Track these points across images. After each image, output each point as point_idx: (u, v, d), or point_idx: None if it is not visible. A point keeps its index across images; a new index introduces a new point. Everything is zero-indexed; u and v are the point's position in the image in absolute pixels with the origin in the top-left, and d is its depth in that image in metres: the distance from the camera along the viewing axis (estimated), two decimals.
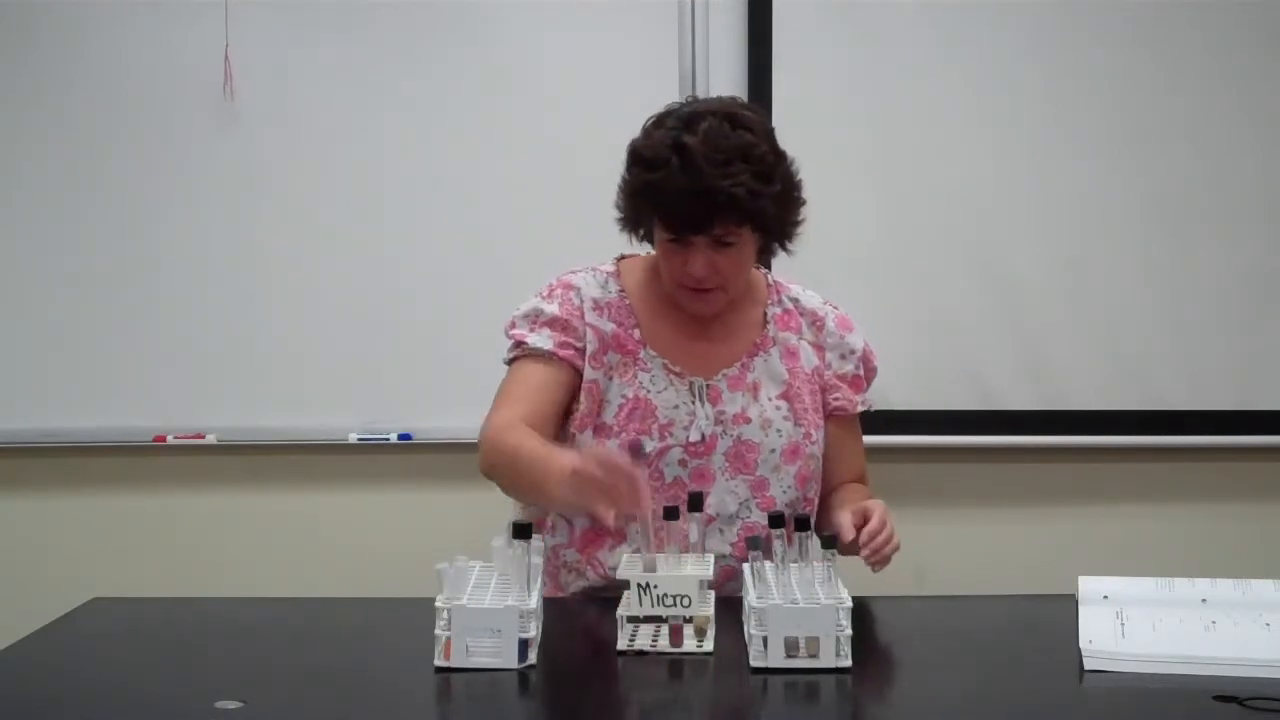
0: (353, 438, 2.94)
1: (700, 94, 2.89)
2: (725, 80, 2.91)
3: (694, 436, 1.85)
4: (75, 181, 2.90)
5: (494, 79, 2.85)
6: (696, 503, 1.68)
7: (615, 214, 1.92)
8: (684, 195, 1.76)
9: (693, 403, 1.87)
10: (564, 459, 1.66)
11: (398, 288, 2.89)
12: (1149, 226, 2.97)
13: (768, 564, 1.54)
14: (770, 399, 1.91)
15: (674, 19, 2.91)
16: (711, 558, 1.63)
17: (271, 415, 2.93)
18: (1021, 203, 2.96)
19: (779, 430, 1.89)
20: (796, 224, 1.90)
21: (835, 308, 2.03)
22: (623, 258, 2.00)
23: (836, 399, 1.98)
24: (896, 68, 2.93)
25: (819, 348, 1.98)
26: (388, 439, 2.93)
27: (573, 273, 1.96)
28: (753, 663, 1.47)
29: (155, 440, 2.93)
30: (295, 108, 2.91)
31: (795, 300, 2.00)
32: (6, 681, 1.48)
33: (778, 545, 1.55)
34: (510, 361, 1.92)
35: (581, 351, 1.89)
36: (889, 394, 2.95)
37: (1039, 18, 2.93)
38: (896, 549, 1.77)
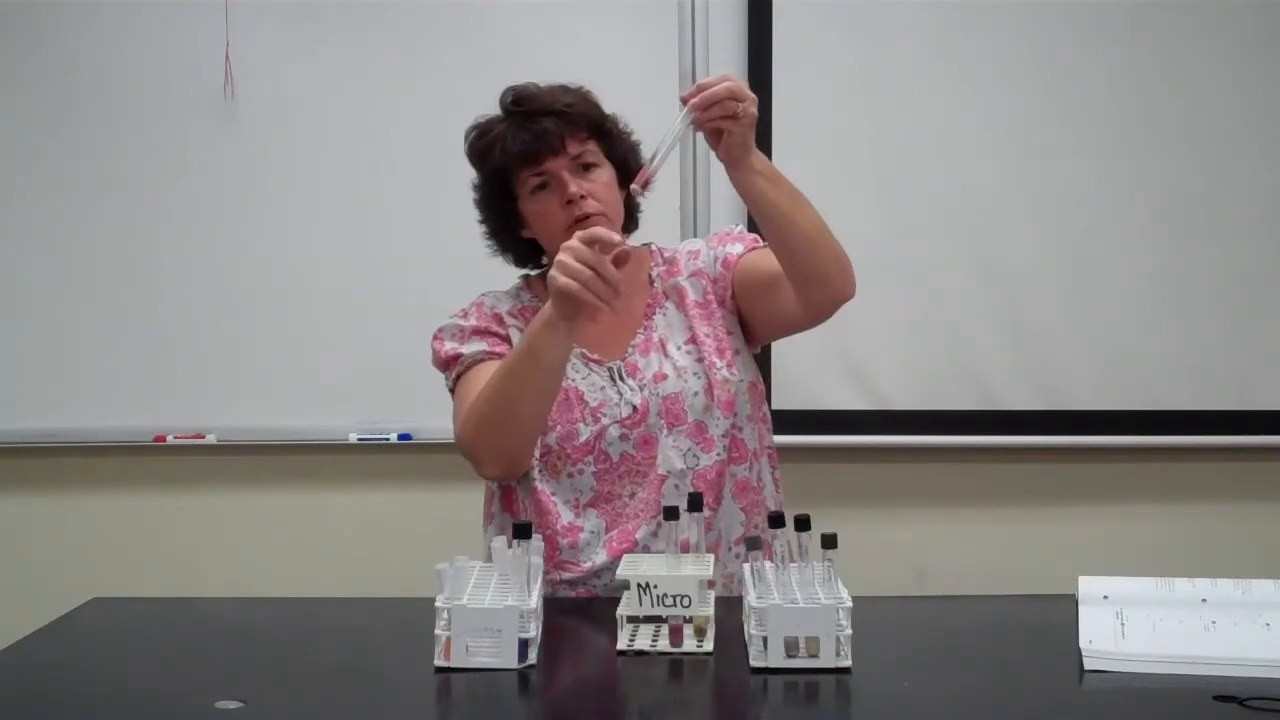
0: (353, 438, 2.94)
1: None
2: None
3: (624, 412, 1.87)
4: (75, 181, 2.91)
5: (494, 78, 2.84)
6: (696, 503, 1.67)
7: (486, 245, 1.99)
8: (529, 123, 1.85)
9: (615, 384, 1.90)
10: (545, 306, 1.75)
11: (398, 288, 2.89)
12: (1149, 226, 2.97)
13: (768, 564, 1.54)
14: (679, 347, 1.93)
15: (674, 19, 2.91)
16: (711, 558, 1.63)
17: (271, 415, 2.93)
18: (1022, 202, 2.96)
19: (695, 373, 1.90)
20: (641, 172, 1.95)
21: (721, 231, 2.05)
22: (527, 276, 2.03)
23: (725, 283, 1.97)
24: (896, 67, 2.93)
25: (701, 274, 1.98)
26: (388, 439, 2.93)
27: (481, 295, 1.99)
28: (753, 663, 1.46)
29: (155, 440, 2.93)
30: (296, 108, 2.91)
31: (675, 253, 2.02)
32: (6, 681, 1.48)
33: (777, 547, 1.55)
34: (455, 380, 1.92)
35: (508, 343, 1.92)
36: (889, 394, 2.97)
37: (1039, 17, 2.93)
38: (729, 112, 1.72)
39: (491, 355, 1.90)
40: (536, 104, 1.86)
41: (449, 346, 1.92)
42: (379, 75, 2.90)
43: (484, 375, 1.86)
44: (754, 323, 1.97)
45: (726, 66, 2.90)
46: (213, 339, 2.93)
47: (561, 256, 1.68)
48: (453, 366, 1.92)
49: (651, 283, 1.99)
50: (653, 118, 2.85)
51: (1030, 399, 2.97)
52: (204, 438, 2.94)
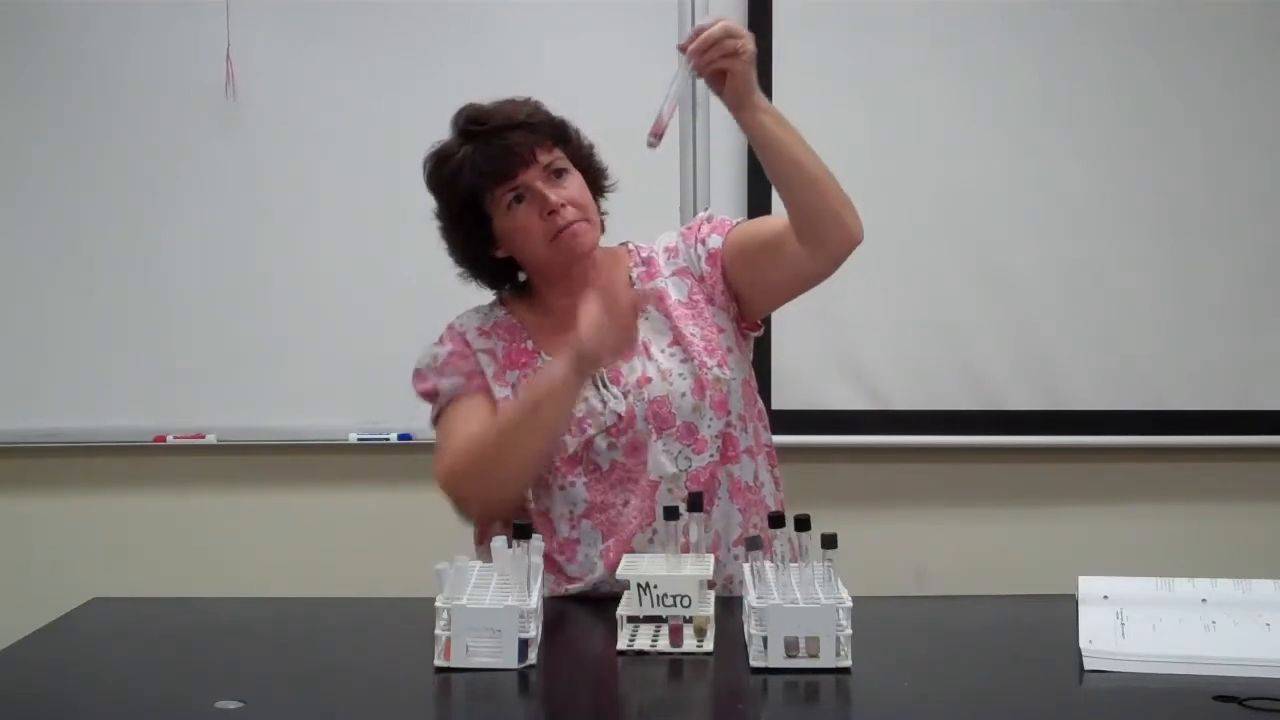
0: (353, 438, 2.94)
1: (700, 94, 2.90)
2: None
3: (609, 420, 1.85)
4: (77, 181, 2.91)
5: (494, 78, 2.81)
6: (696, 502, 1.67)
7: (453, 264, 1.96)
8: (494, 139, 1.83)
9: (599, 391, 1.87)
10: (554, 362, 1.79)
11: (398, 287, 2.89)
12: (1149, 226, 2.97)
13: (768, 564, 1.54)
14: (663, 350, 1.89)
15: (674, 19, 2.91)
16: (711, 558, 1.63)
17: (271, 415, 2.94)
18: (1021, 202, 2.96)
19: (680, 374, 1.87)
20: (604, 174, 1.95)
21: (692, 223, 2.00)
22: (501, 293, 2.00)
23: (714, 277, 1.92)
24: (896, 66, 2.93)
25: (684, 272, 1.94)
26: (388, 439, 2.93)
27: (453, 320, 1.98)
28: (753, 663, 1.46)
29: (155, 440, 2.93)
30: (296, 108, 2.91)
31: (652, 252, 1.98)
32: (6, 681, 1.48)
33: (777, 547, 1.55)
34: (437, 416, 1.93)
35: (483, 373, 1.91)
36: (889, 394, 2.97)
37: (1039, 17, 2.93)
38: (730, 51, 1.72)
39: (469, 389, 1.89)
40: (498, 119, 1.84)
41: (428, 382, 1.92)
42: (380, 74, 2.91)
43: (464, 413, 1.87)
44: (759, 292, 1.93)
45: None
46: (212, 339, 2.93)
47: (590, 331, 1.70)
48: (432, 401, 1.93)
49: (631, 285, 1.95)
50: (652, 118, 2.87)
51: (1030, 399, 2.97)
52: (204, 438, 2.94)
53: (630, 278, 1.95)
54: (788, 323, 2.81)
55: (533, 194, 1.83)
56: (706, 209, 2.92)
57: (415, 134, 3.05)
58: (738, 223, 1.96)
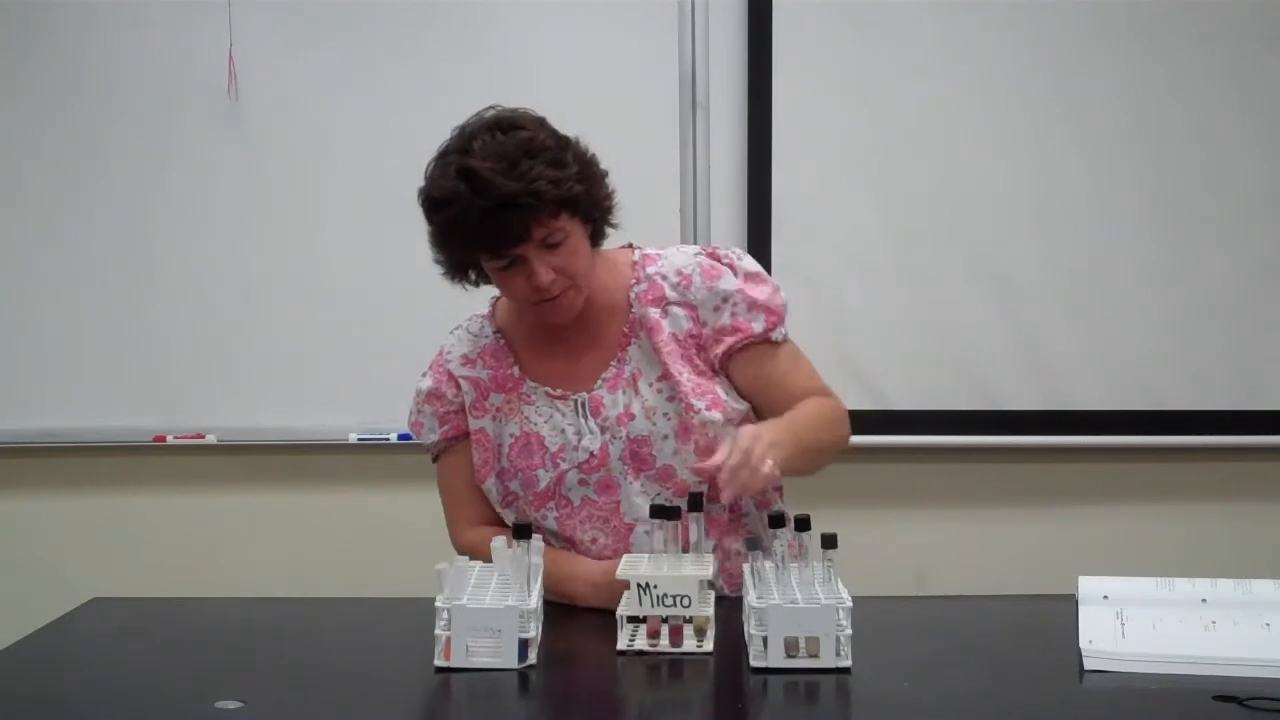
0: (353, 438, 2.94)
1: (700, 94, 2.91)
2: (725, 80, 2.91)
3: (582, 457, 1.82)
4: (78, 181, 2.91)
5: (495, 79, 2.85)
6: (696, 503, 1.67)
7: (438, 268, 1.87)
8: (489, 215, 1.69)
9: (577, 419, 1.84)
10: (583, 570, 1.77)
11: (398, 288, 2.89)
12: (1150, 226, 2.97)
13: (768, 564, 1.54)
14: (651, 384, 1.82)
15: (674, 19, 2.91)
16: (710, 558, 1.63)
17: (271, 415, 2.93)
18: (1023, 202, 2.95)
19: (665, 414, 1.81)
20: (609, 197, 1.83)
21: (713, 255, 1.87)
22: (497, 299, 1.95)
23: (723, 346, 1.83)
24: (897, 67, 2.93)
25: (690, 306, 1.84)
26: (388, 439, 2.93)
27: (450, 333, 1.97)
28: (753, 663, 1.47)
29: (155, 440, 2.93)
30: (298, 108, 2.91)
31: (659, 270, 1.86)
32: (6, 681, 1.48)
33: (777, 547, 1.55)
34: (433, 460, 1.98)
35: (461, 410, 1.91)
36: (889, 394, 2.97)
37: (1040, 17, 2.92)
38: (764, 477, 1.63)
39: (450, 441, 1.92)
40: (495, 193, 1.68)
41: (411, 415, 1.96)
42: (381, 75, 2.90)
43: (454, 467, 1.92)
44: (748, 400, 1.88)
45: (727, 66, 2.90)
46: (213, 339, 2.92)
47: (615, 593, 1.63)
48: (427, 450, 1.98)
49: (630, 307, 1.86)
50: (653, 118, 2.88)
51: (1031, 399, 2.97)
52: (204, 438, 2.94)
53: (629, 297, 1.86)
54: (788, 323, 2.81)
55: (524, 265, 1.74)
56: (708, 211, 2.93)
57: (416, 134, 3.04)
58: (773, 336, 1.88)
